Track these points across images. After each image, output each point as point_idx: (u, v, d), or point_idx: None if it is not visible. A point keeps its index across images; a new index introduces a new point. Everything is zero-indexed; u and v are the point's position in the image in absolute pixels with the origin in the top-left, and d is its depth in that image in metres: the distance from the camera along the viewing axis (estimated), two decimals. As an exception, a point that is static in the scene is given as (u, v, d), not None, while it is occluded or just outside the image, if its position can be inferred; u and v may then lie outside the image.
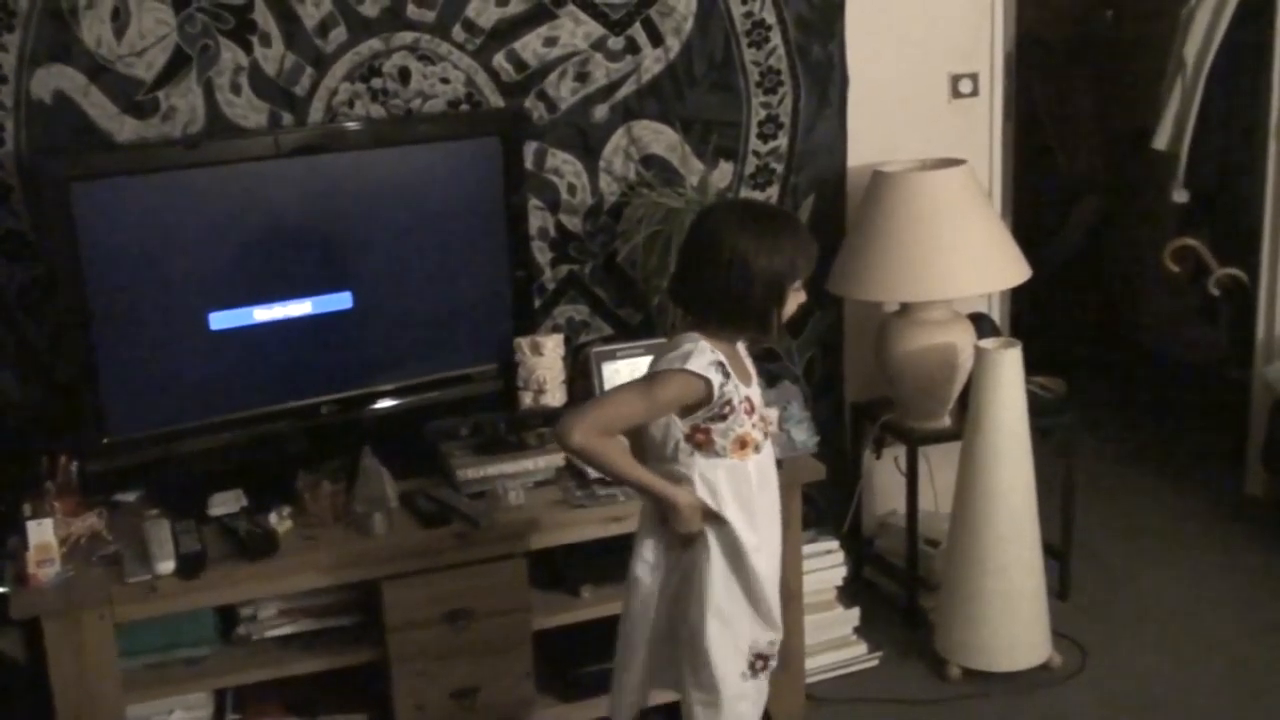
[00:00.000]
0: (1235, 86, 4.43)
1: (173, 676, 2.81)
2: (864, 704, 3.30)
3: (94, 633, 2.64)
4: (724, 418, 2.37)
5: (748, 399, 2.40)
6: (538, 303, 3.43)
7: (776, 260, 2.33)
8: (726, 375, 2.35)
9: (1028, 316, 4.53)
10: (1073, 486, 3.68)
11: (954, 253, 3.38)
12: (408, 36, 3.24)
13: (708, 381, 2.32)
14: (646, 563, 2.48)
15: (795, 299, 2.40)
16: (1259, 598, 3.72)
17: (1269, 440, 4.16)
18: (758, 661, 2.47)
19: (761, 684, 2.51)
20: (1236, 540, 4.06)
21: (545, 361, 3.20)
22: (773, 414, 3.00)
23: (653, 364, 2.40)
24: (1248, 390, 4.31)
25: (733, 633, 2.43)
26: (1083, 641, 3.49)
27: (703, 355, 2.33)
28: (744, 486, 2.42)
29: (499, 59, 3.32)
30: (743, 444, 2.40)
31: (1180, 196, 4.47)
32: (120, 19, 3.02)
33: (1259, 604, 3.69)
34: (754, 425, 2.41)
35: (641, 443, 2.45)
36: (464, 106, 3.32)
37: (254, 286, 3.00)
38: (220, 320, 2.97)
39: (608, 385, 3.25)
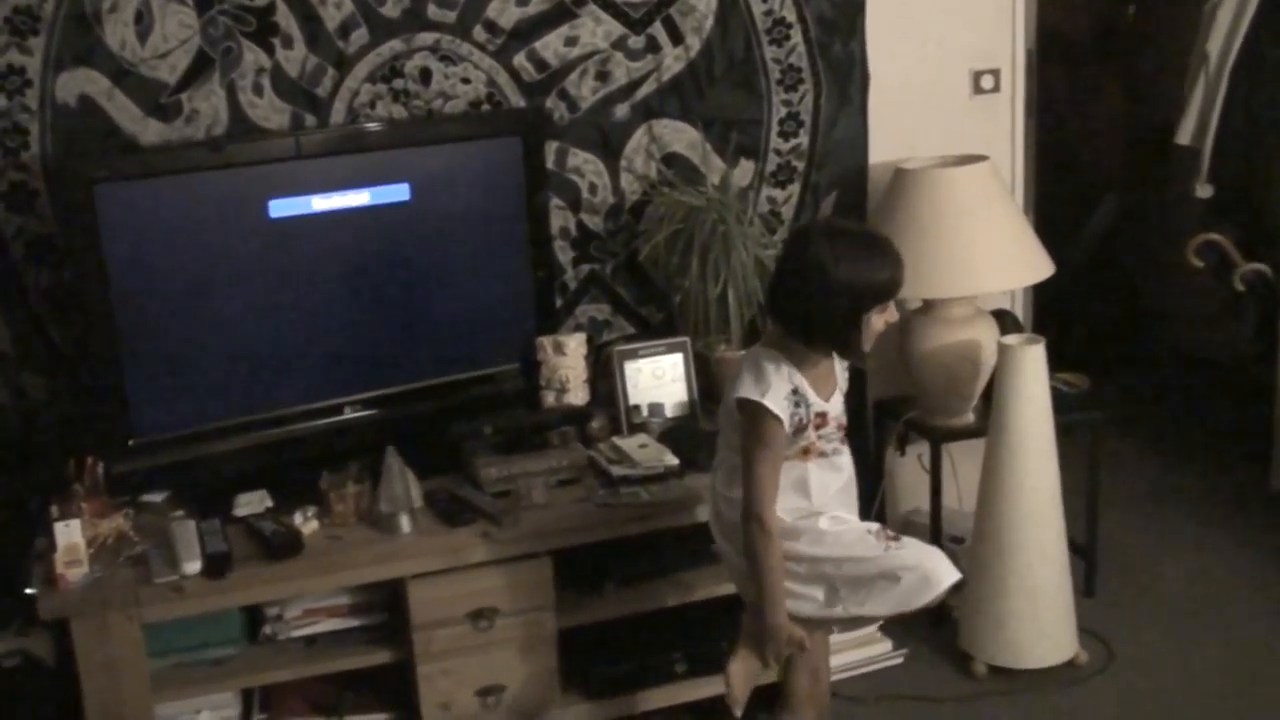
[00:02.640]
0: (1259, 80, 4.41)
1: (200, 676, 2.82)
2: (889, 701, 3.29)
3: (122, 633, 2.66)
4: (800, 434, 2.50)
5: (821, 415, 2.51)
6: (560, 302, 3.43)
7: (856, 277, 2.40)
8: (798, 403, 2.46)
9: (1051, 313, 4.51)
10: (1097, 483, 3.66)
11: (976, 249, 3.37)
12: (429, 37, 3.25)
13: (777, 419, 2.46)
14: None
15: (880, 319, 2.46)
16: (1285, 594, 3.71)
17: (1294, 436, 4.14)
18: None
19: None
20: (1262, 536, 4.04)
21: (568, 361, 3.21)
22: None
23: (736, 385, 2.51)
24: (1273, 386, 4.29)
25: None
26: (1108, 638, 3.48)
27: (780, 388, 2.45)
28: (800, 482, 2.57)
29: (520, 59, 3.33)
30: (805, 451, 2.54)
31: (1204, 191, 4.44)
32: (144, 22, 3.04)
33: (1286, 600, 3.68)
34: (820, 436, 2.53)
35: (724, 435, 2.62)
36: (485, 106, 3.32)
37: (276, 288, 3.01)
38: (241, 318, 2.98)
39: (630, 385, 3.27)
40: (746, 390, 2.46)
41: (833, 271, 2.39)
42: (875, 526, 2.63)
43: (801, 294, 2.43)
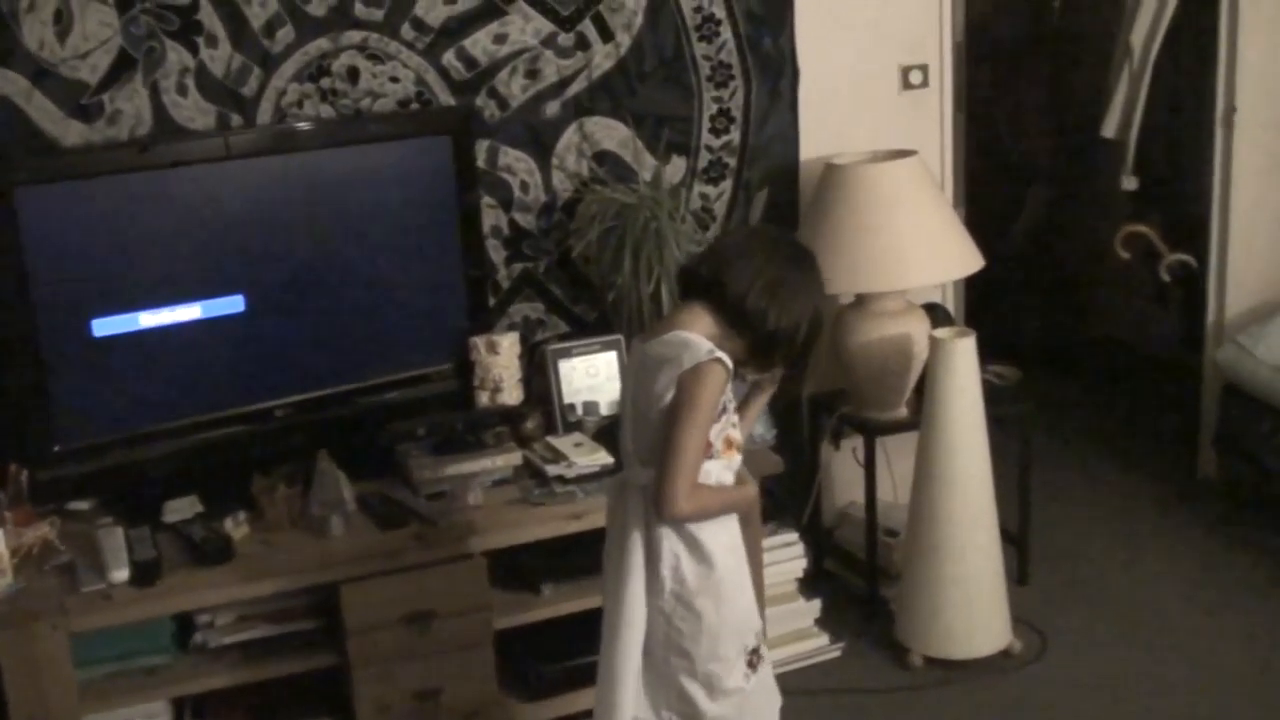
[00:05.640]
0: (1181, 73, 4.48)
1: (131, 686, 2.77)
2: (827, 695, 3.31)
3: (48, 644, 2.61)
4: (719, 417, 2.29)
5: (732, 398, 2.35)
6: (493, 301, 3.42)
7: (806, 327, 2.31)
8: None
9: (981, 305, 4.55)
10: (1029, 473, 3.70)
11: (907, 243, 3.40)
12: (356, 35, 3.22)
13: (729, 371, 2.24)
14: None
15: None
16: (1213, 578, 3.77)
17: (1220, 423, 4.21)
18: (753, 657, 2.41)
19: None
20: (1190, 522, 4.11)
21: (501, 360, 3.19)
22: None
23: (666, 369, 2.24)
24: (1199, 374, 4.36)
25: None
26: (1042, 627, 3.52)
27: (716, 348, 2.24)
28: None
29: (449, 57, 3.31)
30: (729, 443, 2.34)
31: (1129, 183, 4.51)
32: (63, 21, 2.98)
33: (1214, 584, 3.73)
34: (733, 425, 2.35)
35: (642, 445, 2.32)
36: (414, 105, 3.30)
37: (203, 288, 2.97)
38: (167, 321, 2.94)
39: (564, 384, 3.26)
40: (696, 359, 2.21)
41: (817, 307, 2.32)
42: (755, 627, 2.41)
43: (782, 304, 2.27)
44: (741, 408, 2.44)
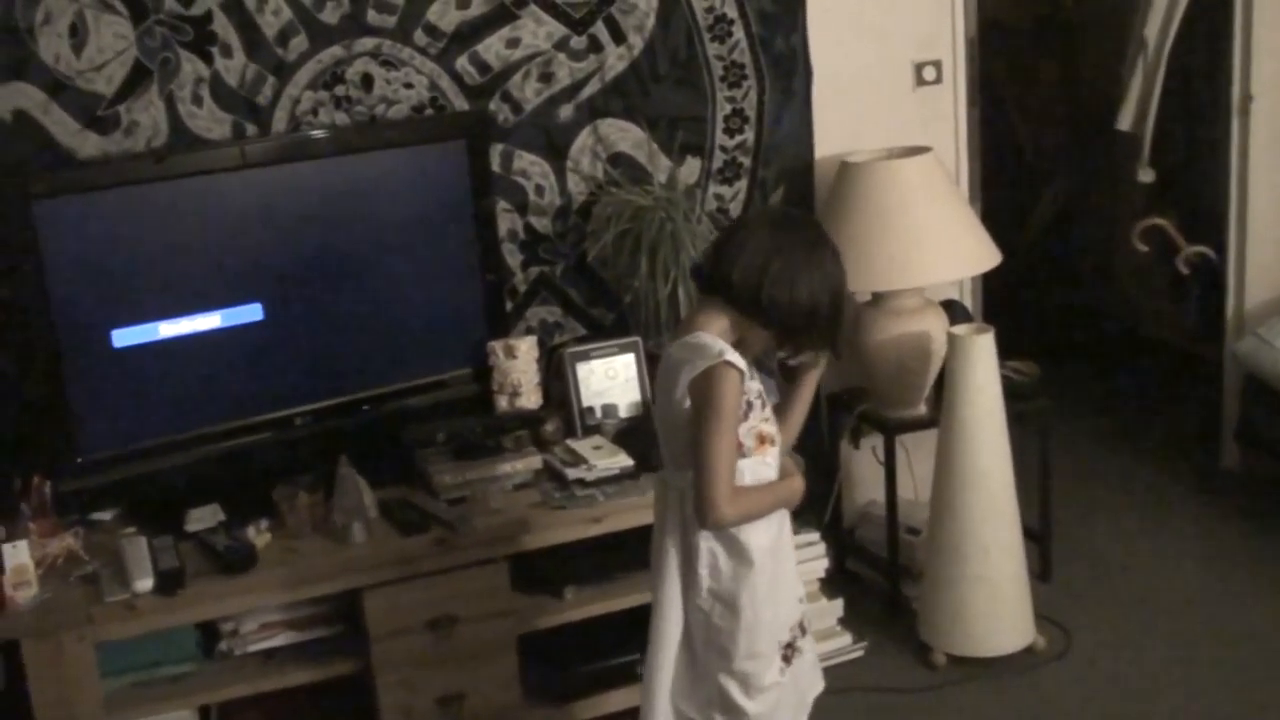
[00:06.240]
0: (1196, 65, 4.46)
1: (156, 695, 2.79)
2: (851, 694, 3.29)
3: (74, 654, 2.62)
4: (745, 416, 2.28)
5: (759, 393, 2.33)
6: (510, 305, 3.42)
7: (832, 299, 2.28)
8: (749, 375, 2.28)
9: (999, 301, 4.54)
10: (1050, 469, 3.69)
11: (923, 240, 3.39)
12: (369, 42, 3.23)
13: (741, 372, 2.23)
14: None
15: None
16: (1238, 570, 3.74)
17: (1242, 415, 4.18)
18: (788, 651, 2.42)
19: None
20: (1213, 515, 4.09)
21: (519, 364, 3.20)
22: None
23: (683, 372, 2.24)
24: (1219, 367, 4.34)
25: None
26: (1066, 623, 3.51)
27: (729, 349, 2.23)
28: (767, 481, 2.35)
29: (462, 62, 3.31)
30: (762, 439, 2.32)
31: (1146, 176, 4.49)
32: (78, 35, 3.00)
33: (1238, 576, 3.71)
34: (765, 420, 2.33)
35: (673, 448, 2.34)
36: (428, 111, 3.30)
37: (222, 297, 2.98)
38: (186, 331, 2.95)
39: (582, 386, 3.26)
40: (709, 361, 2.20)
41: (836, 280, 2.28)
42: (795, 620, 2.41)
43: (796, 285, 2.24)
44: (788, 400, 2.43)
